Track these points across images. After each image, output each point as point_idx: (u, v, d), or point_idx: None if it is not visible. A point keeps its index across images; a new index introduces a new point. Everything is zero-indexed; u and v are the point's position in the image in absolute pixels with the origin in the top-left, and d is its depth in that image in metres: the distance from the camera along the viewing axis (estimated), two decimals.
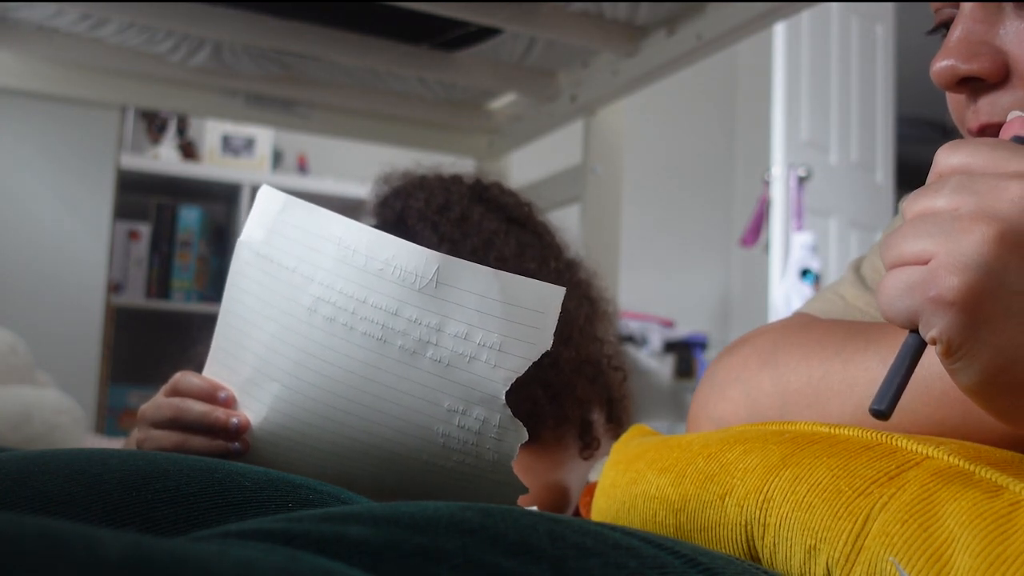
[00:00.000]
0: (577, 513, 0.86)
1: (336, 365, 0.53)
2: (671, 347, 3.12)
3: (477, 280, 0.48)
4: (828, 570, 0.41)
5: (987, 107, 0.49)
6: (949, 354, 0.37)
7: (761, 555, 0.45)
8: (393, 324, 0.50)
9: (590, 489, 0.68)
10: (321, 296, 0.53)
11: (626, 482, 0.56)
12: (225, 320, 0.63)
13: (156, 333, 2.85)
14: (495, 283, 0.48)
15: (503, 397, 0.49)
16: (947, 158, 0.40)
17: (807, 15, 2.87)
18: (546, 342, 0.48)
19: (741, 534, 0.46)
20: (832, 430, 0.48)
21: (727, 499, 0.47)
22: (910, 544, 0.37)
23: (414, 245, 0.51)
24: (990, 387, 0.38)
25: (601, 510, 0.58)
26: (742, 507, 0.46)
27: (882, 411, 0.37)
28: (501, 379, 0.49)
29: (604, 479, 0.59)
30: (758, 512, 0.45)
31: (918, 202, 0.39)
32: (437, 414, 0.51)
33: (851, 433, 0.47)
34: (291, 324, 0.56)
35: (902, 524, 0.38)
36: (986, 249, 0.36)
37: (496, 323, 0.48)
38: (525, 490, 0.54)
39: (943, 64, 0.48)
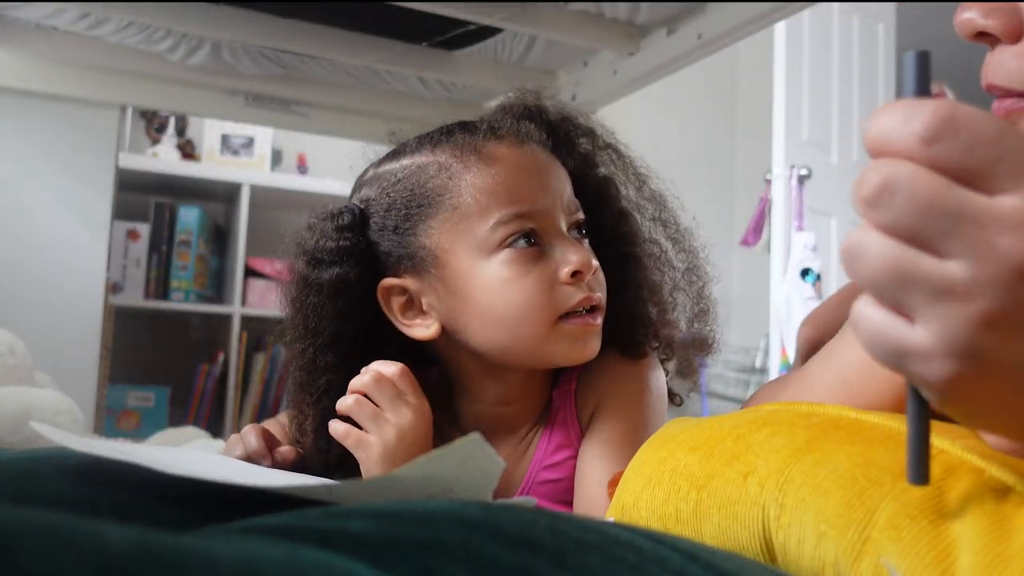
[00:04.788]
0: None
1: None
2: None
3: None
4: (836, 557, 0.41)
5: (993, 66, 0.49)
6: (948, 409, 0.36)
7: (775, 536, 0.45)
8: None
9: (616, 479, 0.67)
10: None
11: (657, 460, 0.56)
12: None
13: (155, 333, 2.85)
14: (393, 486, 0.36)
15: None
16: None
17: (808, 15, 2.87)
18: (492, 482, 0.36)
19: (759, 513, 0.46)
20: (859, 416, 0.48)
21: (749, 478, 0.47)
22: (918, 539, 0.37)
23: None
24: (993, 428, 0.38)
25: (627, 487, 0.58)
26: (763, 487, 0.46)
27: (921, 482, 0.36)
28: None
29: (637, 458, 0.59)
30: (777, 493, 0.45)
31: (890, 220, 0.34)
32: None
33: (877, 420, 0.47)
34: None
35: (911, 519, 0.38)
36: (981, 336, 0.32)
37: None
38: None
39: (964, 16, 0.49)
